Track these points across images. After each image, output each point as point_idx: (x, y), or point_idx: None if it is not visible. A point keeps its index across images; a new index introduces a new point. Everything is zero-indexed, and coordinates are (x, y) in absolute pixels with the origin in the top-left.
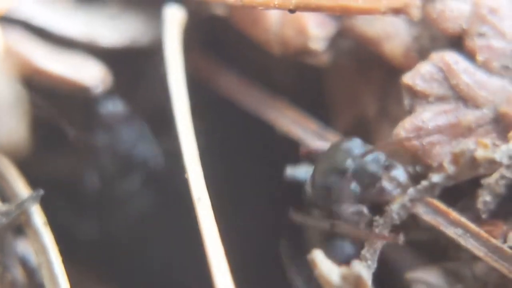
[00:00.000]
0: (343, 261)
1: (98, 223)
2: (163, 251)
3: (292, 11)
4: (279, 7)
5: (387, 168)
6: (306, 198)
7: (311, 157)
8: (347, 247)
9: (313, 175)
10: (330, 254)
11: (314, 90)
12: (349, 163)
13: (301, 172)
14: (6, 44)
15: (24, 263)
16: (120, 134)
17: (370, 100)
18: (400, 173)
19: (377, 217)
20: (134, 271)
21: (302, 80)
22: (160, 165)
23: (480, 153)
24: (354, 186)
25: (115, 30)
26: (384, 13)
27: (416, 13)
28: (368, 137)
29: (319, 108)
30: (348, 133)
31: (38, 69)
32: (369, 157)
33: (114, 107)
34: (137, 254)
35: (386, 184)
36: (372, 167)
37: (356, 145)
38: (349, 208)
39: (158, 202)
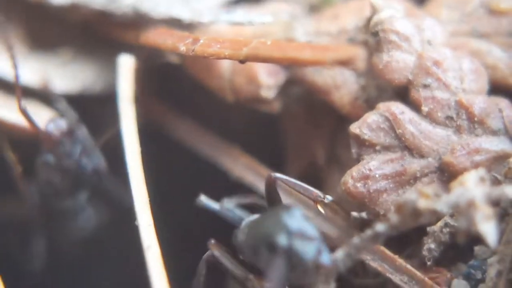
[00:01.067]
0: None
1: (42, 247)
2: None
3: (242, 61)
4: (230, 58)
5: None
6: (235, 241)
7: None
8: None
9: (247, 232)
10: None
11: (267, 136)
12: (283, 240)
13: (214, 205)
14: None
15: None
16: (64, 149)
17: (320, 146)
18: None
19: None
20: None
21: (255, 126)
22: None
23: (422, 204)
24: (281, 263)
25: (68, 77)
26: (330, 65)
27: (361, 65)
28: (318, 182)
29: (272, 153)
30: (300, 179)
31: None
32: (305, 241)
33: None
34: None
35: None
36: (304, 253)
37: (295, 218)
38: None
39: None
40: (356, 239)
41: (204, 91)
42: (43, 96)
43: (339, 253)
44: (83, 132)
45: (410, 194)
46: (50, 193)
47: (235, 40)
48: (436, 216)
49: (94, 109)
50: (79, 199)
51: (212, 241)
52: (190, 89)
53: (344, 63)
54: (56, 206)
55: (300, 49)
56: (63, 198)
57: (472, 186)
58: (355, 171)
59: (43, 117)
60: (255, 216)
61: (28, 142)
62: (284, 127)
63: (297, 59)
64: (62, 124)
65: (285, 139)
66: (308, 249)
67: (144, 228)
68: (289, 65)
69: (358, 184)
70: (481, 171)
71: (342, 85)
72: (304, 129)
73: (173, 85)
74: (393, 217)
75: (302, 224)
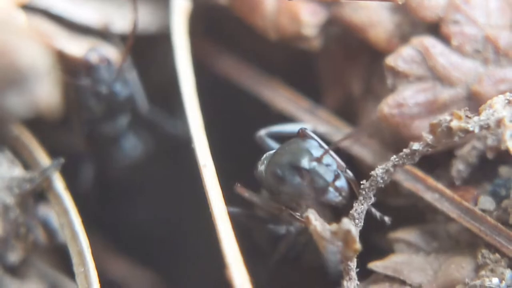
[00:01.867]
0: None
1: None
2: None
3: None
4: None
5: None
6: (257, 175)
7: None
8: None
9: (269, 161)
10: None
11: (306, 72)
12: (306, 163)
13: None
14: (30, 26)
15: (45, 225)
16: (99, 75)
17: (356, 80)
18: (343, 183)
19: (363, 181)
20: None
21: (295, 63)
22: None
23: (455, 123)
24: (306, 185)
25: (125, 17)
26: None
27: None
28: (354, 113)
29: (310, 88)
30: (337, 110)
31: (58, 49)
32: (325, 162)
33: (95, 52)
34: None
35: (331, 191)
36: (326, 173)
37: (314, 147)
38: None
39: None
40: (394, 157)
41: (248, 31)
42: (102, 35)
43: (378, 170)
44: (127, 65)
45: (443, 115)
46: (89, 118)
47: None
48: (466, 136)
49: (149, 48)
50: (118, 125)
51: (238, 184)
52: (235, 29)
53: None
54: (97, 132)
55: None
56: (101, 122)
57: (500, 108)
58: (390, 99)
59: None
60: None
61: None
62: (322, 63)
63: None
64: (100, 52)
65: (323, 74)
66: (327, 173)
67: (199, 149)
68: (333, 1)
69: (393, 111)
70: (508, 95)
71: (378, 23)
72: (341, 65)
73: (220, 25)
74: (428, 137)
75: (320, 152)
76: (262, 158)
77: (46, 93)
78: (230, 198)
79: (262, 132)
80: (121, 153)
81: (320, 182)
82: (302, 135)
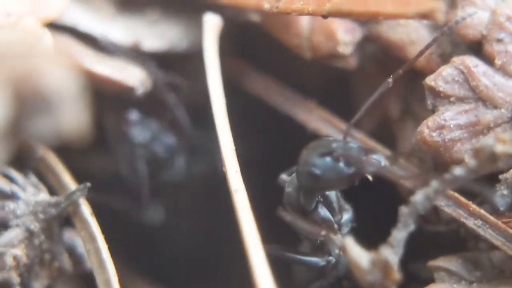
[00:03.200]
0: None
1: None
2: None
3: (325, 16)
4: (313, 13)
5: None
6: (287, 201)
7: None
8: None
9: (297, 171)
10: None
11: (341, 92)
12: (335, 145)
13: None
14: (56, 46)
15: (71, 252)
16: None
17: (393, 101)
18: (379, 156)
19: (402, 207)
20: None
21: (329, 82)
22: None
23: (499, 148)
24: (342, 165)
25: (155, 36)
26: (412, 17)
27: (441, 17)
28: (391, 134)
29: (345, 109)
30: (373, 132)
31: (86, 70)
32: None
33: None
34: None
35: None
36: (355, 148)
37: (330, 138)
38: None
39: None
40: (435, 183)
41: (279, 49)
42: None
43: (418, 196)
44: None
45: (487, 140)
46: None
47: None
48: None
49: (180, 65)
50: (176, 167)
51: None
52: (268, 47)
53: (425, 16)
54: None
55: (382, 3)
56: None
57: None
58: (430, 121)
59: (131, 74)
60: None
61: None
62: (358, 83)
63: (379, 12)
64: (133, 116)
65: (359, 94)
66: (357, 149)
67: (231, 173)
68: (370, 19)
69: (434, 134)
70: None
71: (417, 41)
72: (377, 84)
73: (251, 43)
74: (471, 162)
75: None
76: (288, 183)
77: (74, 119)
78: (264, 225)
79: (284, 176)
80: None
81: (355, 157)
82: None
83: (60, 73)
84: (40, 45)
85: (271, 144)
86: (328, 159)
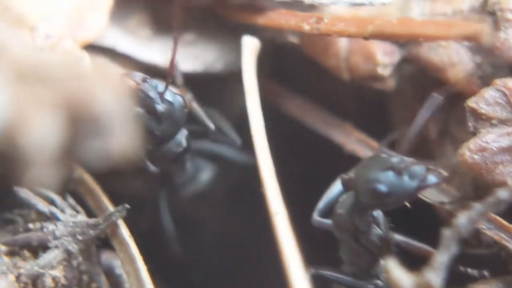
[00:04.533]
0: None
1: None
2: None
3: (366, 38)
4: (354, 35)
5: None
6: (339, 222)
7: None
8: None
9: (357, 186)
10: None
11: (377, 113)
12: (395, 161)
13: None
14: (94, 67)
15: (108, 273)
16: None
17: (431, 122)
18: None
19: (444, 230)
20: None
21: (366, 103)
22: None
23: None
24: (406, 179)
25: (191, 57)
26: (455, 39)
27: (487, 39)
28: (430, 156)
29: (381, 131)
30: (410, 154)
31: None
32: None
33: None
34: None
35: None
36: (415, 163)
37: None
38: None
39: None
40: (478, 206)
41: (316, 71)
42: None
43: (461, 219)
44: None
45: None
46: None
47: (359, 18)
48: None
49: (215, 87)
50: (178, 140)
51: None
52: (304, 68)
53: (469, 38)
54: (161, 156)
55: (425, 25)
56: (163, 143)
57: None
58: (472, 143)
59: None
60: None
61: None
62: (395, 104)
63: (421, 35)
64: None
65: (396, 115)
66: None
67: (271, 195)
68: (412, 41)
69: (475, 156)
70: None
71: (458, 63)
72: (416, 105)
73: (288, 65)
74: None
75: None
76: (338, 205)
77: (124, 142)
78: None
79: (315, 216)
80: (189, 177)
81: (418, 171)
82: (345, 183)
83: (110, 96)
84: (80, 67)
85: (308, 164)
86: (391, 174)
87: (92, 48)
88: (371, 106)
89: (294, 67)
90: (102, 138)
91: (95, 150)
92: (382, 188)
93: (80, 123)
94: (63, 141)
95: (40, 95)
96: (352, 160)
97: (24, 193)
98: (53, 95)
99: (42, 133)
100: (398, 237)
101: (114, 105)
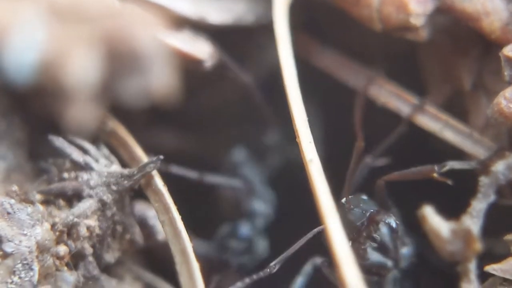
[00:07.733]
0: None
1: None
2: None
3: None
4: None
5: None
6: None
7: None
8: None
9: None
10: None
11: (409, 65)
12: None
13: None
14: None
15: (142, 224)
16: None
17: (466, 73)
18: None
19: (482, 177)
20: None
21: (398, 56)
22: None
23: None
24: None
25: (222, 9)
26: None
27: None
28: (463, 108)
29: (414, 82)
30: (444, 106)
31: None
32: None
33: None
34: None
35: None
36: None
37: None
38: None
39: None
40: None
41: (347, 23)
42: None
43: (500, 166)
44: None
45: None
46: None
47: None
48: None
49: (245, 39)
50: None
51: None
52: (335, 21)
53: None
54: None
55: None
56: None
57: None
58: (508, 92)
59: (200, 47)
60: None
61: None
62: (428, 56)
63: None
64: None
65: (429, 67)
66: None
67: (305, 143)
68: None
69: (511, 105)
70: None
71: (492, 12)
72: (449, 57)
73: (319, 17)
74: None
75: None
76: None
77: (163, 80)
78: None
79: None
80: None
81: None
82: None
83: (150, 36)
84: (117, 7)
85: (339, 117)
86: None
87: None
88: (401, 58)
89: (325, 20)
90: (140, 75)
91: (133, 87)
92: None
93: (118, 60)
94: (102, 77)
95: (79, 33)
96: (380, 111)
97: (59, 142)
98: (91, 32)
99: (82, 69)
100: None
101: (152, 43)
